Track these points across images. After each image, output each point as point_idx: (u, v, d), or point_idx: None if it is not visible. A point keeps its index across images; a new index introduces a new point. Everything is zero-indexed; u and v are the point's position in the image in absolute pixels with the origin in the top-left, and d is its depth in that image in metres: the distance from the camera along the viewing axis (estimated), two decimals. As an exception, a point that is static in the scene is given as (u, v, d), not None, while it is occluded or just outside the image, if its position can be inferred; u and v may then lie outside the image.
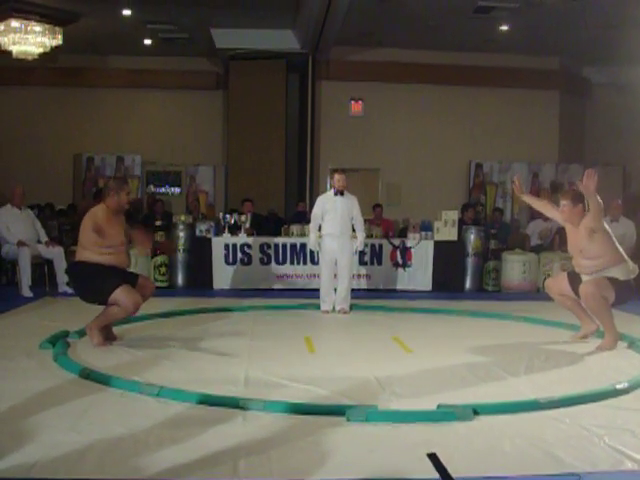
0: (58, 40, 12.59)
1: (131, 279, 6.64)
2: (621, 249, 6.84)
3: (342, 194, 8.92)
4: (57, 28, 12.54)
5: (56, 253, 10.54)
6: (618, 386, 5.04)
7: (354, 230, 9.10)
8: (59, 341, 6.43)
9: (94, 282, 6.46)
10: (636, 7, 11.14)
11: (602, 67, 15.78)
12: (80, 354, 6.12)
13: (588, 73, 16.32)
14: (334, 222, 8.88)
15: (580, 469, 3.56)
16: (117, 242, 6.59)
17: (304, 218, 12.17)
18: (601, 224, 6.66)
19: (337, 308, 8.92)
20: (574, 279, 6.95)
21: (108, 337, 6.72)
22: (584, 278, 6.80)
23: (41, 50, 12.59)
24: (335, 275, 9.01)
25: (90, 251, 6.47)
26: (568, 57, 15.50)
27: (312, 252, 10.98)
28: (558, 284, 7.17)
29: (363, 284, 11.33)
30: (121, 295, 6.36)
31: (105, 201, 6.68)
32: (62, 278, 10.50)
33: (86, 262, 6.50)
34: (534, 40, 14.15)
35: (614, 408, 4.66)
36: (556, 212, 7.10)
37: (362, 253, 10.99)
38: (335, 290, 8.99)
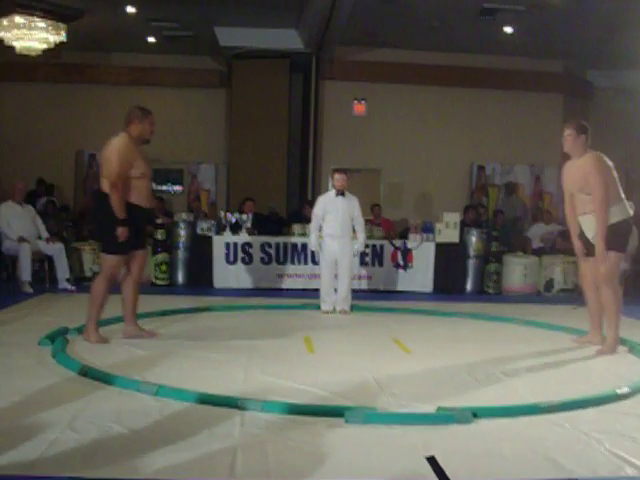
0: (62, 36, 12.57)
1: (136, 242, 6.59)
2: (621, 190, 6.76)
3: (343, 194, 8.91)
4: (61, 24, 12.51)
5: (56, 249, 10.55)
6: (619, 391, 5.02)
7: (354, 231, 9.08)
8: (58, 338, 6.41)
9: (109, 232, 6.36)
10: (639, 10, 11.13)
11: (606, 71, 15.75)
12: (79, 351, 6.10)
13: (592, 77, 16.29)
14: (335, 223, 8.87)
15: (579, 474, 3.54)
16: (140, 173, 6.48)
17: (304, 218, 12.16)
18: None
19: (338, 309, 8.90)
20: (588, 246, 6.87)
21: (137, 334, 6.74)
22: (589, 233, 6.76)
23: (45, 46, 12.56)
24: (336, 275, 8.99)
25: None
26: (572, 60, 15.48)
27: (313, 252, 10.97)
28: (592, 273, 6.89)
29: (364, 285, 11.32)
30: (113, 262, 6.37)
31: (127, 129, 6.56)
32: (62, 274, 10.51)
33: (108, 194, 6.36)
34: (538, 43, 14.13)
35: (614, 413, 4.64)
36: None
37: (363, 254, 10.97)
38: (335, 290, 8.98)
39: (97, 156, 15.46)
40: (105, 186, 6.41)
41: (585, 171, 6.66)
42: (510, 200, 15.09)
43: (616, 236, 6.64)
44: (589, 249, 6.87)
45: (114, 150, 6.40)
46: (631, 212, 6.81)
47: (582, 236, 6.93)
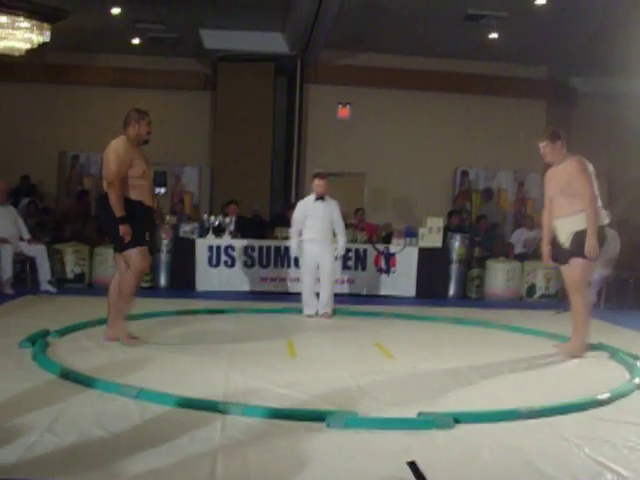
0: (46, 37, 12.48)
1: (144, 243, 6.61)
2: (599, 197, 6.75)
3: (323, 199, 8.94)
4: (45, 25, 12.42)
5: (38, 250, 10.49)
6: (599, 397, 5.04)
7: (335, 234, 9.10)
8: (39, 340, 6.36)
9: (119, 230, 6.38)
10: (622, 18, 11.19)
11: (589, 77, 15.83)
12: (60, 354, 6.06)
13: (575, 83, 16.36)
14: (315, 227, 8.87)
15: (559, 480, 3.55)
16: (141, 172, 6.52)
17: (287, 221, 12.14)
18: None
19: (320, 312, 8.89)
20: (559, 253, 6.89)
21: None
22: (562, 237, 6.76)
23: (28, 46, 12.47)
24: (317, 279, 8.99)
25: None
26: (555, 67, 15.56)
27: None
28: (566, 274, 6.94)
29: (346, 289, 11.30)
30: (138, 257, 6.37)
31: (126, 132, 6.64)
32: (44, 276, 10.45)
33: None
34: (522, 49, 14.20)
35: (595, 419, 4.66)
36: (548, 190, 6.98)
37: (346, 258, 10.98)
38: (317, 294, 8.98)
39: (80, 157, 15.44)
40: (106, 187, 6.47)
41: (569, 173, 6.68)
42: (488, 206, 15.15)
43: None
44: (559, 255, 6.88)
45: (112, 151, 6.49)
46: (606, 221, 6.80)
47: (554, 242, 6.95)
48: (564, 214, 6.76)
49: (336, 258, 9.28)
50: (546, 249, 7.09)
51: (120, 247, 6.52)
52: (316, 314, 8.90)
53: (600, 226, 6.70)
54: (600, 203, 6.77)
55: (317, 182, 8.99)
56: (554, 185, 6.88)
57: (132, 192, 6.46)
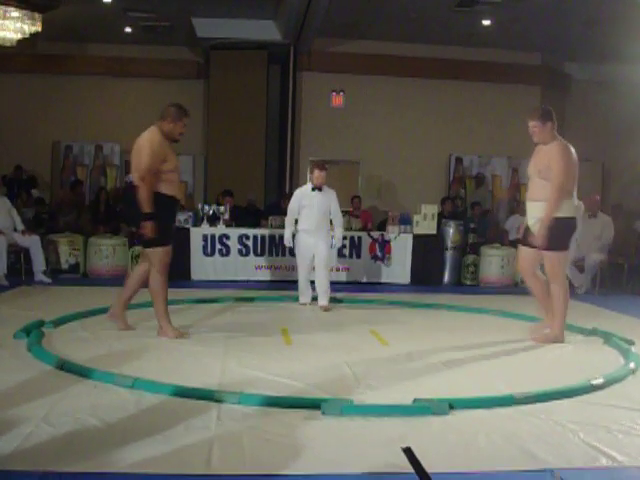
0: (37, 27, 12.43)
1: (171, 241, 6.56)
2: (575, 188, 6.75)
3: (320, 189, 8.72)
4: (36, 14, 12.36)
5: (32, 241, 10.48)
6: (593, 382, 5.06)
7: (332, 224, 8.98)
8: (34, 331, 6.36)
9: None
10: (617, 4, 11.17)
11: (584, 63, 15.83)
12: (55, 344, 6.06)
13: (570, 69, 16.36)
14: (311, 217, 8.68)
15: (555, 465, 3.56)
16: (173, 166, 6.41)
17: (282, 210, 12.13)
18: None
19: (319, 304, 8.69)
20: (525, 234, 6.88)
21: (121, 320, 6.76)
22: (531, 220, 6.76)
23: (20, 36, 12.42)
24: (313, 268, 8.87)
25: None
26: (550, 53, 15.54)
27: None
28: (528, 259, 6.90)
29: (342, 277, 11.31)
30: (161, 254, 6.34)
31: (160, 124, 6.47)
32: (38, 267, 10.44)
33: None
34: (516, 35, 14.17)
35: (589, 404, 4.68)
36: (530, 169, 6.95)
37: (341, 246, 10.96)
38: (312, 282, 8.88)
39: (74, 147, 15.39)
40: (137, 180, 6.32)
41: (549, 157, 6.64)
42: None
43: (559, 232, 6.59)
44: (527, 238, 6.85)
45: (146, 143, 6.30)
46: (575, 213, 6.75)
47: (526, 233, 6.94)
48: (535, 197, 6.73)
49: (332, 246, 9.11)
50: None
51: (146, 243, 6.40)
52: (313, 299, 8.84)
53: (570, 217, 6.66)
54: (575, 193, 6.72)
55: (317, 173, 8.69)
56: (534, 164, 6.85)
57: (164, 186, 6.32)
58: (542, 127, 6.75)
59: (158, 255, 6.41)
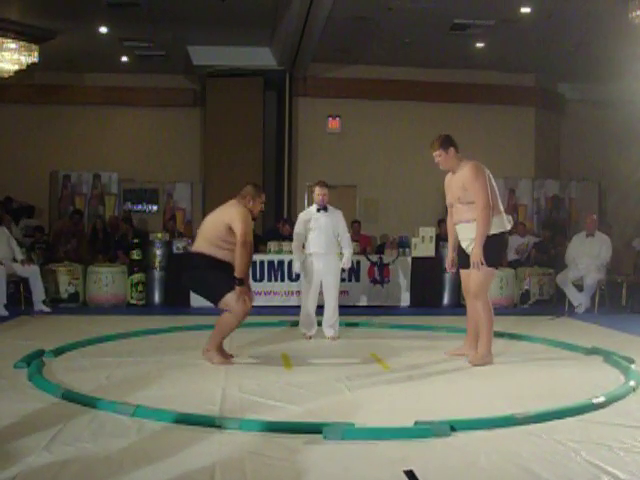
0: (34, 57, 12.54)
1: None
2: (500, 202, 6.78)
3: (325, 209, 8.28)
4: (33, 45, 12.49)
5: (32, 272, 10.49)
6: (594, 400, 5.05)
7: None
8: (34, 360, 6.36)
9: (214, 279, 6.48)
10: (608, 24, 11.28)
11: (577, 84, 15.96)
12: (55, 374, 6.06)
13: (563, 89, 16.48)
14: (319, 240, 8.19)
15: (556, 484, 3.56)
16: (251, 234, 6.61)
17: (280, 235, 12.16)
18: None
19: (328, 335, 8.28)
20: (463, 259, 6.90)
21: (224, 354, 6.79)
22: (464, 243, 6.79)
23: (17, 67, 12.52)
24: (320, 292, 8.38)
25: (215, 246, 6.48)
26: (543, 74, 15.66)
27: (290, 269, 10.97)
28: (468, 281, 6.88)
29: (341, 301, 11.25)
30: (235, 300, 6.37)
31: (241, 202, 6.74)
32: (38, 296, 10.45)
33: (208, 255, 6.49)
34: (510, 57, 14.29)
35: (591, 423, 4.67)
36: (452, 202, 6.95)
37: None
38: (319, 307, 8.40)
39: (72, 176, 15.42)
40: (203, 247, 6.55)
41: (463, 181, 6.67)
42: None
43: (491, 249, 6.60)
44: (463, 261, 6.89)
45: (238, 214, 6.54)
46: (508, 226, 6.77)
47: (460, 248, 6.96)
48: (463, 220, 6.75)
49: (343, 271, 8.72)
50: (450, 255, 7.15)
51: (214, 297, 6.55)
52: (319, 325, 8.38)
53: (501, 233, 6.69)
54: (502, 208, 6.76)
55: (318, 191, 8.27)
56: (452, 193, 6.89)
57: (221, 253, 6.49)
58: (445, 155, 6.82)
59: (232, 300, 6.43)
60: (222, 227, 6.50)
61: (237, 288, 6.35)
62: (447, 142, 6.81)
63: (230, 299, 6.40)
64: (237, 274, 6.36)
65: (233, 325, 6.58)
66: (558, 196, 15.81)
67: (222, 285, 6.43)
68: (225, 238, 6.47)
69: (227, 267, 6.46)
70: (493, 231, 6.61)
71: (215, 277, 6.47)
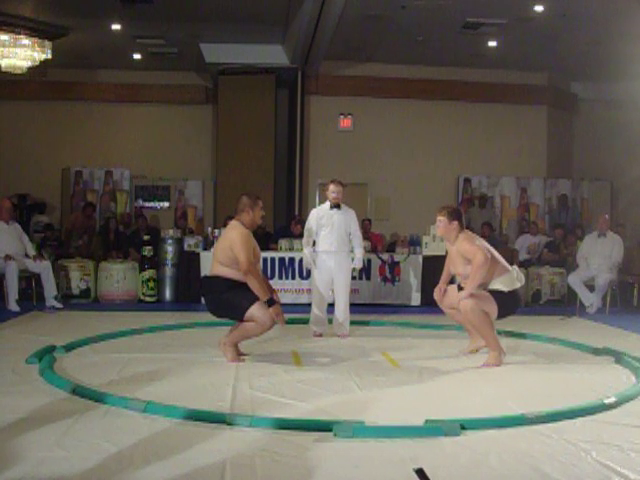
0: (47, 54, 12.59)
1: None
2: (502, 259, 6.83)
3: (339, 207, 8.27)
4: (46, 42, 12.54)
5: (43, 267, 10.51)
6: (605, 401, 5.04)
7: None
8: (45, 356, 6.38)
9: (232, 298, 6.47)
10: (622, 24, 11.23)
11: (590, 83, 15.91)
12: (66, 369, 6.08)
13: (576, 88, 16.43)
14: (330, 238, 8.20)
15: (567, 484, 3.55)
16: (255, 259, 6.63)
17: (291, 233, 12.16)
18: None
19: (338, 334, 8.31)
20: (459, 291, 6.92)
21: (239, 353, 6.78)
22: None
23: (30, 64, 12.57)
24: (331, 290, 8.41)
25: (228, 267, 6.48)
26: (556, 73, 15.61)
27: (301, 267, 10.98)
28: (447, 297, 7.07)
29: (351, 299, 11.26)
30: (259, 312, 6.36)
31: (239, 218, 6.70)
32: (49, 292, 10.47)
33: (222, 277, 6.51)
34: (522, 56, 14.25)
35: (601, 423, 4.66)
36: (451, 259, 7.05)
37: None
38: (330, 305, 8.43)
39: (84, 172, 15.47)
40: (218, 270, 6.55)
41: (462, 252, 6.71)
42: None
43: (504, 306, 6.65)
44: (459, 286, 6.96)
45: (237, 238, 6.48)
46: (518, 285, 6.75)
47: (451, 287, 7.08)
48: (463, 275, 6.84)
49: (353, 270, 8.76)
50: (440, 286, 7.20)
51: (238, 315, 6.53)
52: (329, 322, 8.42)
53: (514, 290, 6.73)
54: (509, 267, 6.79)
55: (332, 188, 8.25)
56: (453, 267, 7.00)
57: (236, 275, 6.46)
58: (448, 225, 6.82)
59: (256, 312, 6.40)
60: (228, 251, 6.51)
61: (271, 309, 6.35)
62: (454, 215, 6.83)
63: (254, 311, 6.39)
64: (262, 299, 6.37)
65: (257, 333, 6.56)
66: (567, 196, 15.68)
67: (242, 302, 6.42)
68: (235, 260, 6.46)
69: (243, 285, 6.46)
70: (507, 288, 6.65)
71: (234, 296, 6.46)
